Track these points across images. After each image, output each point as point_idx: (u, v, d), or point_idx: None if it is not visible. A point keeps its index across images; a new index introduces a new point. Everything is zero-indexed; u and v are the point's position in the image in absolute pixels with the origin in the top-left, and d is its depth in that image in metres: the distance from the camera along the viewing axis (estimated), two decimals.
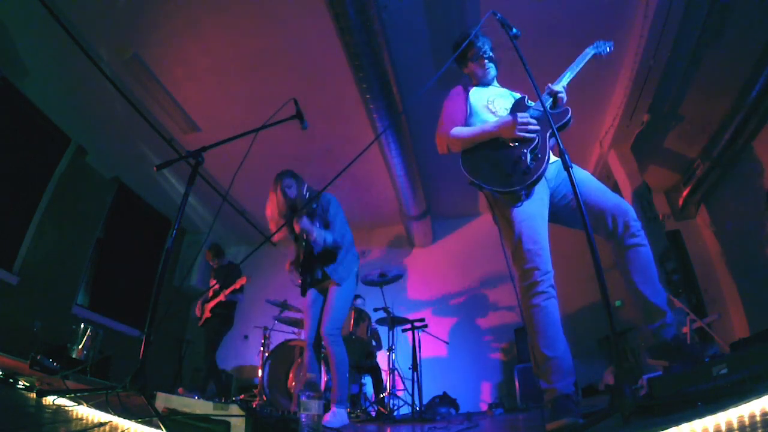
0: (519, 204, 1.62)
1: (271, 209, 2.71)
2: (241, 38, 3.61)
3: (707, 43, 3.48)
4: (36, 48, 3.66)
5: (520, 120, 1.66)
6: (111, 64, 3.75)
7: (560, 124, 1.70)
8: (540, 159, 1.62)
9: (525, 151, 1.63)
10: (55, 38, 3.32)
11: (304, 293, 2.76)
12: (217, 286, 4.50)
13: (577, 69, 1.90)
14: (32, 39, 3.57)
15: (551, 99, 1.79)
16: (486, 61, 2.00)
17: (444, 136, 1.89)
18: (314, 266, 2.74)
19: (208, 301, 4.48)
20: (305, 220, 2.64)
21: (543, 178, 1.72)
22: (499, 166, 1.67)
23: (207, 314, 4.42)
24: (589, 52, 1.98)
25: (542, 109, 1.72)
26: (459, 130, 1.85)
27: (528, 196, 1.62)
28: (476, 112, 1.92)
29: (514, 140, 1.68)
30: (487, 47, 2.02)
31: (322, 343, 2.61)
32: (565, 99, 1.78)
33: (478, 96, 1.97)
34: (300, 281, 2.75)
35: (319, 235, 2.63)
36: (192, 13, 3.37)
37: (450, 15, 3.39)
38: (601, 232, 1.66)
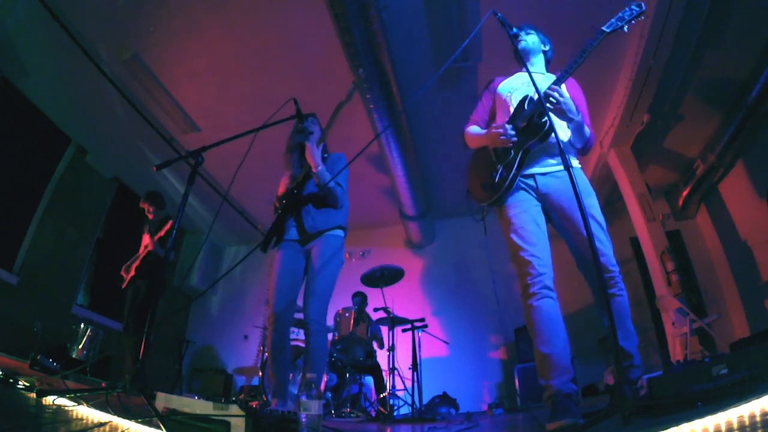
0: (480, 219, 1.70)
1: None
2: (241, 38, 3.60)
3: (707, 43, 3.48)
4: (36, 48, 3.66)
5: (493, 132, 1.70)
6: (111, 64, 3.75)
7: (538, 137, 1.64)
8: (504, 177, 1.64)
9: (499, 166, 1.68)
10: (55, 38, 3.32)
11: (265, 247, 2.23)
12: (150, 244, 3.67)
13: (585, 56, 1.72)
14: (32, 39, 3.57)
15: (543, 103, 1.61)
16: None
17: (464, 133, 1.97)
18: (299, 210, 2.35)
19: (137, 259, 3.70)
20: (315, 146, 2.37)
21: (529, 190, 1.70)
22: (480, 177, 1.76)
23: (131, 272, 3.62)
24: (604, 31, 1.75)
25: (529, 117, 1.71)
26: (470, 130, 1.93)
27: (490, 208, 1.71)
28: (500, 107, 1.91)
29: (496, 151, 1.71)
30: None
31: (306, 330, 2.17)
32: (563, 99, 1.63)
33: (504, 89, 1.94)
34: (275, 220, 2.29)
35: (322, 171, 2.32)
36: (192, 13, 3.37)
37: (450, 15, 3.38)
38: (582, 273, 1.71)
